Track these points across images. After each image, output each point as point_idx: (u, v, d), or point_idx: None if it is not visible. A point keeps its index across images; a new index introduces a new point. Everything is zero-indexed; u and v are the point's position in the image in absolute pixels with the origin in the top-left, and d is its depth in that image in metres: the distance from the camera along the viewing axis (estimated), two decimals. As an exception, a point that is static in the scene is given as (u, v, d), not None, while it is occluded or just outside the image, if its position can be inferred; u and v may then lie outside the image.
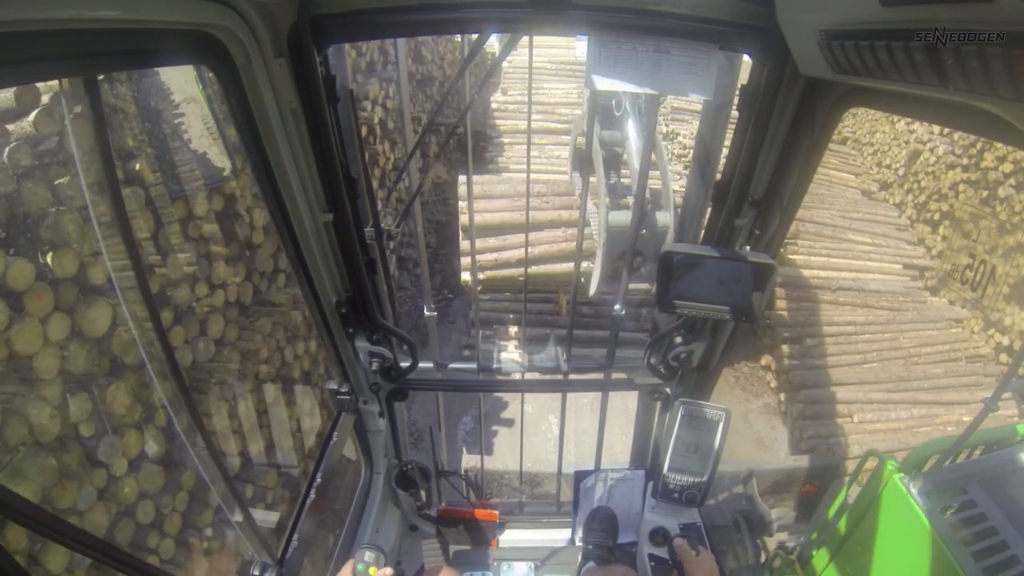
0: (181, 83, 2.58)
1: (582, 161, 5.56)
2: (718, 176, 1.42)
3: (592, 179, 5.44)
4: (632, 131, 4.89)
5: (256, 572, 1.54)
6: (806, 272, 6.68)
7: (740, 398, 6.17)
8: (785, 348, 6.01)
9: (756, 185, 1.36)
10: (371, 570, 1.53)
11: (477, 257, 5.45)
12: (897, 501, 2.47)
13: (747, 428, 5.81)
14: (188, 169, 2.76)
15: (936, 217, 7.41)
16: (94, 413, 2.27)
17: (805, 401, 5.54)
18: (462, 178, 6.17)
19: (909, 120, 7.82)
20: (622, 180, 5.29)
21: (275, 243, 3.48)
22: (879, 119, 8.75)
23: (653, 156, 4.30)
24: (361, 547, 1.57)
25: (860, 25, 0.79)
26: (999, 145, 6.35)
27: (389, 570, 1.54)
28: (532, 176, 6.19)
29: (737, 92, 1.24)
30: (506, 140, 7.94)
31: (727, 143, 1.42)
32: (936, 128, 7.45)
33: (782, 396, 5.87)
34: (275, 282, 3.58)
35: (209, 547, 2.88)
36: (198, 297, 2.91)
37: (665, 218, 4.70)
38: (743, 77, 1.24)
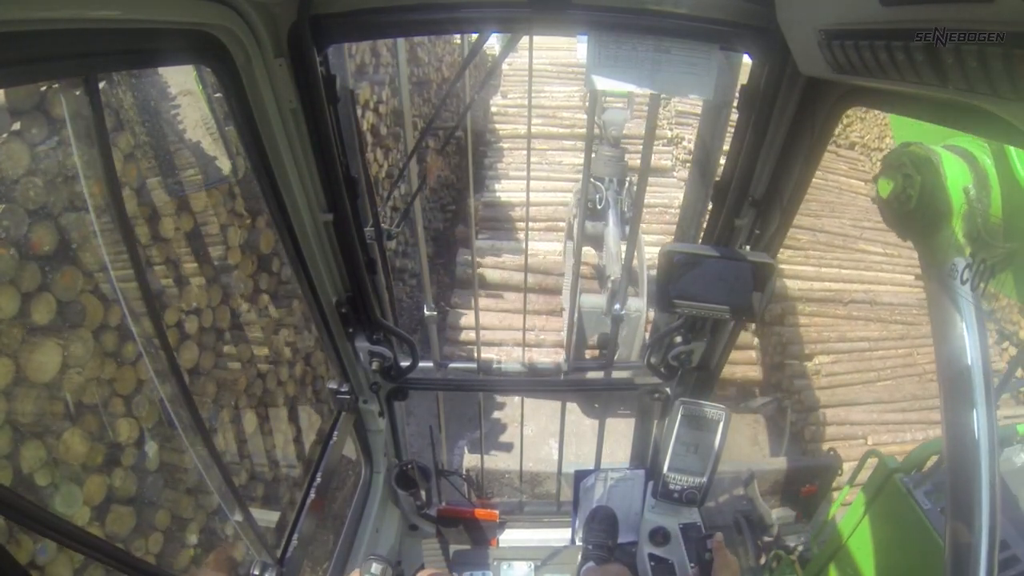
0: (178, 78, 2.53)
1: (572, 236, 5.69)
2: (718, 176, 1.42)
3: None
4: (611, 219, 5.29)
5: (256, 572, 1.54)
6: (817, 285, 6.51)
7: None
8: (795, 366, 5.86)
9: (756, 185, 1.36)
10: None
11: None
12: (897, 501, 2.47)
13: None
14: (186, 169, 2.71)
15: (948, 225, 7.29)
16: (49, 461, 2.11)
17: (818, 423, 5.39)
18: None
19: (920, 124, 7.74)
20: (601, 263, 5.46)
21: (253, 263, 3.30)
22: (889, 123, 8.66)
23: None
24: (369, 557, 1.55)
25: (860, 25, 0.79)
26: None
27: None
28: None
29: (737, 92, 1.24)
30: (506, 145, 7.86)
31: (727, 143, 1.42)
32: (946, 132, 7.40)
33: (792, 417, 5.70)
34: (256, 303, 3.36)
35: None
36: (168, 324, 2.72)
37: (639, 304, 4.79)
38: (743, 77, 1.24)
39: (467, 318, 5.62)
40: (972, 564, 1.05)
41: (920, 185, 1.16)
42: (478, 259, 5.92)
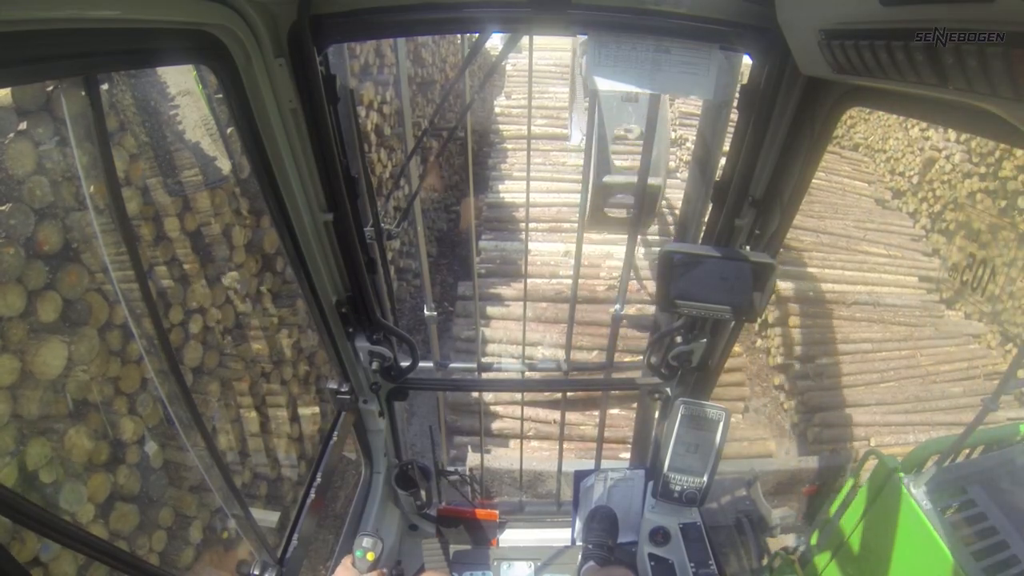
0: (178, 78, 2.52)
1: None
2: (718, 176, 1.42)
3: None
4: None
5: (256, 572, 1.54)
6: (820, 286, 6.45)
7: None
8: (798, 367, 5.80)
9: (756, 185, 1.36)
10: (368, 555, 1.56)
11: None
12: (897, 501, 2.47)
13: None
14: (186, 169, 2.71)
15: (951, 227, 7.20)
16: (53, 459, 2.11)
17: (821, 424, 5.37)
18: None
19: (924, 126, 7.63)
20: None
21: (258, 263, 3.31)
22: (892, 125, 8.55)
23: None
24: (360, 535, 1.59)
25: (860, 25, 0.79)
26: (1019, 153, 6.18)
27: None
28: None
29: (737, 92, 1.24)
30: (509, 146, 7.79)
31: (727, 143, 1.42)
32: (952, 135, 7.28)
33: (796, 418, 5.67)
34: (260, 303, 3.37)
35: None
36: (172, 323, 2.74)
37: (655, 180, 4.66)
38: (743, 77, 1.24)
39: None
40: None
41: None
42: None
